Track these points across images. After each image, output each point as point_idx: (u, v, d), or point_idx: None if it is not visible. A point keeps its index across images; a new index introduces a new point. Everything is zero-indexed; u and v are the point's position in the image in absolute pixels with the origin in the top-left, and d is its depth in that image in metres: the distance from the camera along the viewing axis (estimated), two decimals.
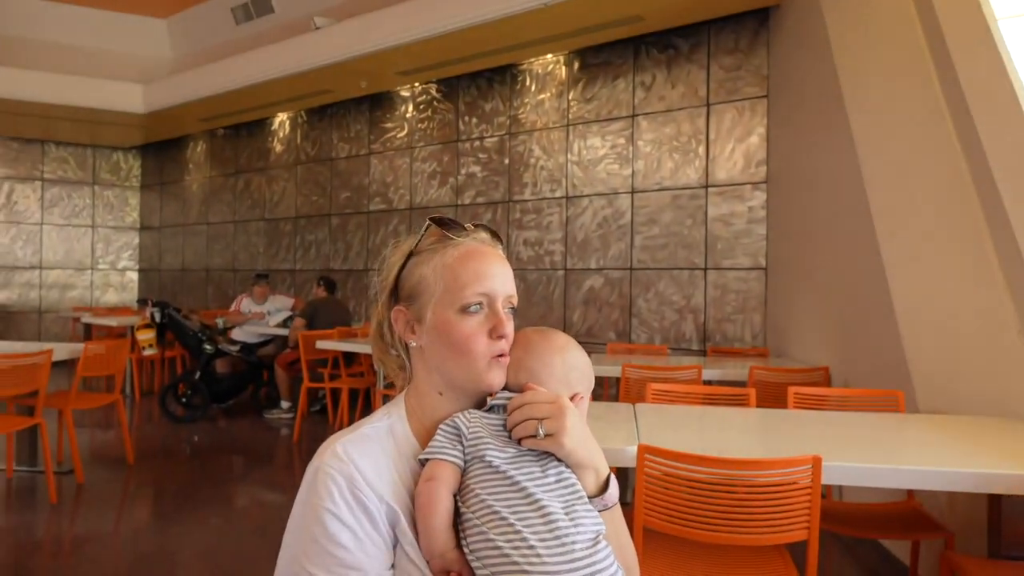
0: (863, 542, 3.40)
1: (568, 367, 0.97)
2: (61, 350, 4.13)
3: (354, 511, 0.83)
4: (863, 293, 3.56)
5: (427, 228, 0.99)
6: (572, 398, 0.95)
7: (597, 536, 0.83)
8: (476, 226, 1.00)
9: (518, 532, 0.80)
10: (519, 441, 0.88)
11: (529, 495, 0.83)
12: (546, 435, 0.86)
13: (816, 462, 1.70)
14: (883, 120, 3.52)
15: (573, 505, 0.84)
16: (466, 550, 0.83)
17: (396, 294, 0.99)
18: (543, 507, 0.82)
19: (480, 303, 0.93)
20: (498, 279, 0.95)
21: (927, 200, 3.15)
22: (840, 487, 3.52)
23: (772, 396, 3.63)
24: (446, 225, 0.97)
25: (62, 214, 10.97)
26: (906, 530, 2.39)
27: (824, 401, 2.94)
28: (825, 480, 1.75)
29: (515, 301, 0.98)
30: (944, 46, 3.10)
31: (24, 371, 3.62)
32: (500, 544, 0.80)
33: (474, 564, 0.82)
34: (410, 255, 0.98)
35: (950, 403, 2.85)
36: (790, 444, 2.16)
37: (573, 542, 0.80)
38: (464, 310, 0.92)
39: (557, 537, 0.80)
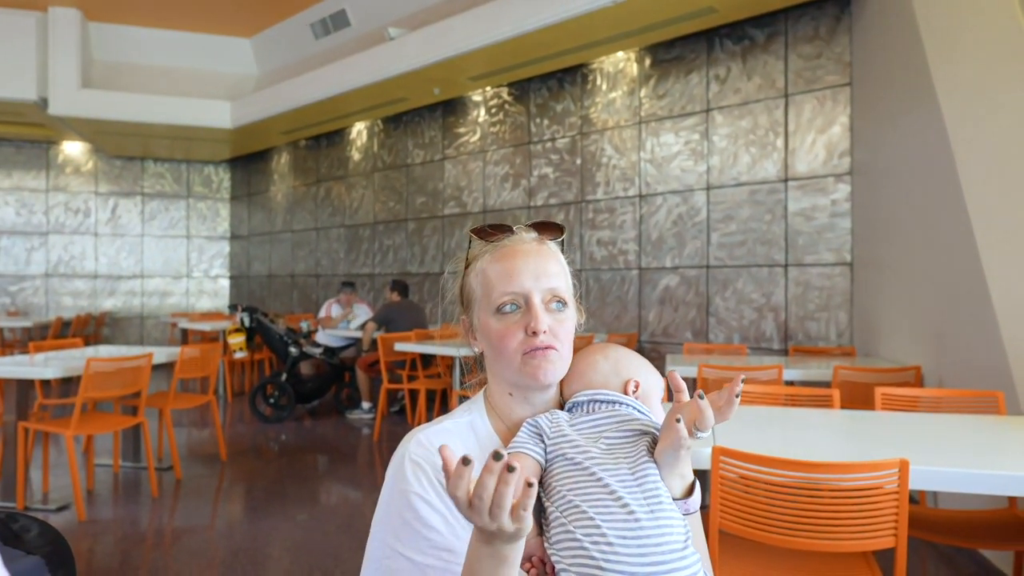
0: (961, 551, 3.20)
1: (612, 360, 1.00)
2: (160, 353, 4.40)
3: (441, 496, 0.84)
4: (959, 288, 3.36)
5: (470, 241, 1.01)
6: (625, 386, 0.96)
7: (686, 541, 0.81)
8: (531, 224, 0.99)
9: (598, 527, 0.79)
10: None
11: (612, 491, 0.82)
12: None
13: (903, 466, 1.62)
14: (977, 102, 3.31)
15: (658, 507, 0.82)
16: (546, 543, 0.83)
17: (463, 303, 1.02)
18: (626, 505, 0.80)
19: (515, 303, 0.92)
20: (527, 276, 0.92)
21: None
22: (935, 493, 3.33)
23: (859, 397, 3.47)
24: (482, 232, 0.98)
25: (160, 226, 11.71)
26: (1007, 539, 2.24)
27: (915, 402, 2.78)
28: (914, 485, 1.67)
29: (562, 294, 0.95)
30: None
31: (128, 373, 3.89)
32: (579, 537, 0.79)
33: (553, 557, 0.81)
34: (468, 265, 1.01)
35: None
36: (877, 447, 2.06)
37: (657, 544, 0.78)
38: (499, 311, 0.93)
39: (638, 537, 0.78)
